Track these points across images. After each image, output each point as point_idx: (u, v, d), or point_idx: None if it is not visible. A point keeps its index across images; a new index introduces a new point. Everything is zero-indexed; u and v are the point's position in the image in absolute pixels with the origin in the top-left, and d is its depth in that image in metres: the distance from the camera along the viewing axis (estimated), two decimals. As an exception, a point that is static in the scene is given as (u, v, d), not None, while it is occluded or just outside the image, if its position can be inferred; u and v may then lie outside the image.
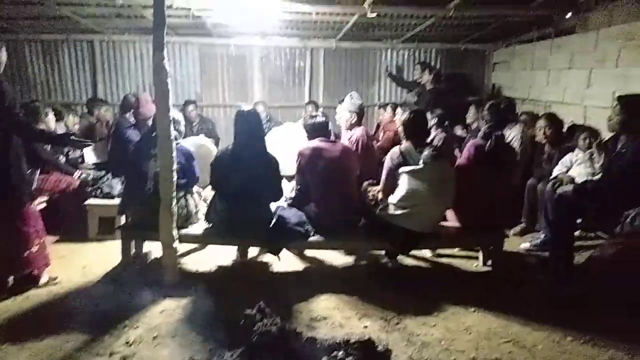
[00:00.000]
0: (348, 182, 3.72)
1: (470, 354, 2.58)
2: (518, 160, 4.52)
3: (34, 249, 3.30)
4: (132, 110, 5.21)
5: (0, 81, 3.04)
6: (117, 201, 4.37)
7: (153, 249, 3.95)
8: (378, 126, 6.89)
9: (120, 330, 2.78)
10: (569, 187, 3.75)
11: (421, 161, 3.45)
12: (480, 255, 3.87)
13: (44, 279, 3.41)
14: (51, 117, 4.66)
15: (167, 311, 3.04)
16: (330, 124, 4.03)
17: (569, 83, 5.41)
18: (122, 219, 4.11)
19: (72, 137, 3.46)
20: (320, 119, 3.88)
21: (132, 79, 7.23)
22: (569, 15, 5.53)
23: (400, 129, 3.89)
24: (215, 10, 5.61)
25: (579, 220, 3.82)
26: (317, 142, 3.71)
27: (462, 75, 7.79)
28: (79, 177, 4.67)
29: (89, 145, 4.46)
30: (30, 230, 3.28)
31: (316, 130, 3.82)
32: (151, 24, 5.87)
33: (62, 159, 4.84)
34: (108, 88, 7.21)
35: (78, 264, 3.80)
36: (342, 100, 5.32)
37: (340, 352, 2.26)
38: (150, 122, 4.71)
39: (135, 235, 3.68)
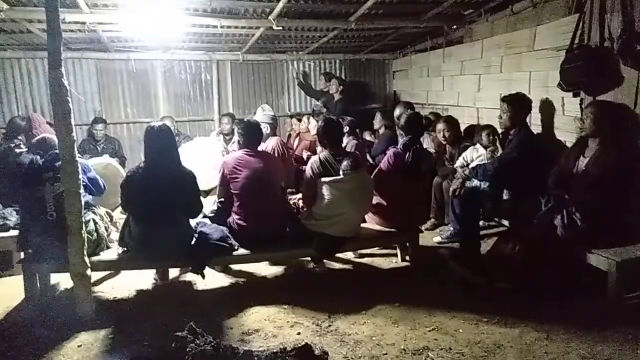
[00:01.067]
0: (273, 191, 3.74)
1: (400, 346, 2.70)
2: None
3: None
4: (24, 134, 4.76)
5: None
6: (13, 233, 3.96)
7: (61, 280, 3.63)
8: (289, 136, 6.98)
9: (33, 374, 2.52)
10: (458, 182, 4.15)
11: (341, 172, 3.57)
12: (398, 251, 4.08)
13: None
14: None
15: (85, 345, 2.81)
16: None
17: (462, 88, 5.93)
18: (22, 253, 3.72)
19: None
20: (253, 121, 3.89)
21: (19, 98, 6.58)
22: (456, 27, 6.07)
23: (316, 137, 4.00)
24: (113, 24, 5.33)
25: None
26: (241, 153, 3.71)
27: (365, 84, 8.18)
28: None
29: None
30: None
31: (250, 134, 3.79)
32: (38, 39, 5.48)
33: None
34: (-10, 109, 6.50)
35: (-28, 306, 3.37)
36: (255, 113, 5.34)
37: (279, 361, 2.27)
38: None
39: (40, 268, 3.35)
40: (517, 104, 4.07)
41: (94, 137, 6.19)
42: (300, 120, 6.53)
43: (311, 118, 6.21)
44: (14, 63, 6.50)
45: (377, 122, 6.15)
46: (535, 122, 4.44)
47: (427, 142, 5.10)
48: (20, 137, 4.82)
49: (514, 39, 4.87)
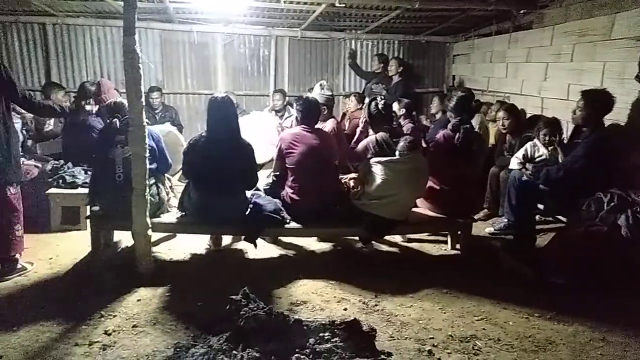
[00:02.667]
0: (327, 169, 3.76)
1: (447, 332, 2.70)
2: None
3: (19, 230, 3.31)
4: (93, 98, 4.99)
5: (4, 66, 3.09)
6: (81, 190, 4.22)
7: (123, 238, 3.84)
8: (344, 115, 6.96)
9: (97, 320, 2.70)
10: (528, 174, 3.99)
11: (397, 152, 3.55)
12: (449, 239, 4.03)
13: (21, 265, 3.35)
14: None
15: (144, 300, 2.98)
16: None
17: (526, 76, 5.67)
18: (88, 209, 3.96)
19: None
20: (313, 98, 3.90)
21: (88, 64, 6.91)
22: (525, 11, 5.78)
23: (367, 118, 3.97)
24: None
25: (540, 206, 4.07)
26: (299, 129, 3.73)
27: (423, 67, 7.99)
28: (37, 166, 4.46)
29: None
30: (16, 211, 3.29)
31: (310, 111, 3.80)
32: (109, 7, 5.70)
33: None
34: (63, 73, 6.86)
35: (44, 256, 3.64)
36: (311, 89, 5.34)
37: (327, 333, 2.32)
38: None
39: (106, 225, 3.56)
40: (598, 103, 3.65)
41: (151, 105, 6.41)
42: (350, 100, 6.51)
43: (366, 99, 6.13)
44: (85, 30, 6.81)
45: (434, 106, 6.04)
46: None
47: (475, 122, 4.88)
48: (89, 101, 5.06)
49: (589, 26, 4.59)
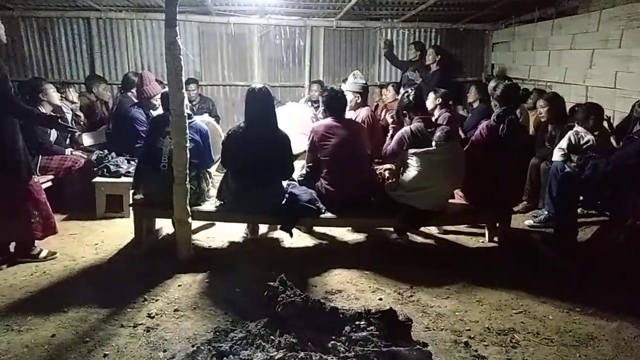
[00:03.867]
0: (360, 159, 3.75)
1: (485, 324, 2.67)
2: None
3: (33, 220, 3.37)
4: (135, 89, 5.16)
5: None
6: (124, 179, 4.38)
7: (164, 225, 3.98)
8: (377, 106, 6.91)
9: (141, 304, 2.82)
10: (572, 166, 3.85)
11: (434, 142, 3.50)
12: (486, 231, 3.96)
13: (43, 253, 3.48)
14: (54, 92, 4.59)
15: (185, 285, 3.08)
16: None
17: (570, 63, 5.47)
18: (131, 197, 4.12)
19: (60, 122, 3.56)
20: (338, 89, 3.89)
21: (130, 57, 7.12)
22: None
23: (400, 109, 3.92)
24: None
25: (581, 198, 3.93)
26: (330, 120, 3.73)
27: (461, 55, 7.81)
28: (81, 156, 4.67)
29: (74, 131, 4.48)
30: (29, 202, 3.35)
31: (335, 102, 3.81)
32: (149, 1, 5.83)
33: (53, 136, 4.72)
34: (106, 66, 7.09)
35: (90, 241, 3.83)
36: (345, 80, 5.32)
37: (363, 322, 2.34)
38: (154, 101, 4.72)
39: (149, 212, 3.69)
40: None
41: (188, 97, 6.53)
42: (387, 90, 6.44)
43: (402, 88, 6.06)
44: (127, 24, 7.00)
45: (472, 95, 5.89)
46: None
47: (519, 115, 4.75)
48: (132, 92, 5.23)
49: (639, 10, 4.37)
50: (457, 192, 3.85)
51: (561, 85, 5.58)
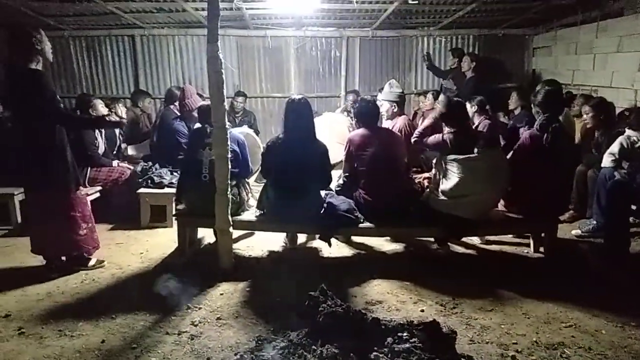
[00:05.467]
0: (397, 168, 3.73)
1: (532, 338, 2.57)
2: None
3: (82, 232, 3.50)
4: (177, 102, 5.32)
5: (42, 74, 3.22)
6: (167, 190, 4.51)
7: (206, 235, 4.06)
8: (415, 114, 6.85)
9: (185, 312, 2.88)
10: (623, 173, 3.69)
11: (475, 149, 3.43)
12: (532, 241, 3.83)
13: (92, 262, 3.61)
14: (102, 107, 4.81)
15: (226, 294, 3.13)
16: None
17: (617, 67, 5.26)
18: (174, 207, 4.23)
19: (108, 118, 3.79)
20: (370, 100, 3.89)
21: (172, 72, 7.37)
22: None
23: (440, 117, 3.86)
24: (255, 2, 5.66)
25: (634, 207, 3.76)
26: (365, 130, 3.73)
27: (500, 61, 7.65)
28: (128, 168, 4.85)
29: (123, 124, 4.62)
30: (77, 215, 3.47)
31: (367, 113, 3.80)
32: (190, 17, 6.02)
33: (101, 149, 4.92)
34: (149, 81, 7.38)
35: (135, 250, 3.96)
36: (382, 89, 5.31)
37: (405, 333, 2.29)
38: (196, 113, 4.84)
39: (191, 222, 3.78)
40: None
41: (234, 108, 6.69)
42: (425, 98, 6.37)
43: (441, 96, 5.98)
44: (169, 40, 7.27)
45: (513, 101, 5.76)
46: None
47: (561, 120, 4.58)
48: (174, 105, 5.40)
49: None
50: (502, 201, 3.75)
51: (608, 90, 5.37)
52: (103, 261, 3.66)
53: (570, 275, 3.39)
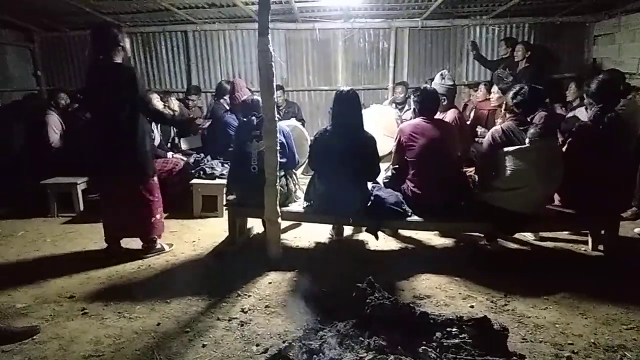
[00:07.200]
0: (448, 161, 3.64)
1: (590, 339, 2.46)
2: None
3: (157, 216, 3.70)
4: (228, 95, 5.45)
5: (135, 69, 3.44)
6: (218, 181, 4.65)
7: (255, 225, 4.16)
8: (465, 106, 6.66)
9: (235, 299, 2.97)
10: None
11: (527, 140, 3.30)
12: (590, 239, 3.66)
13: (159, 246, 3.78)
14: (158, 101, 5.00)
15: (274, 283, 3.19)
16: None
17: (690, 54, 4.89)
18: (224, 197, 4.35)
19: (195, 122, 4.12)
20: (432, 89, 3.82)
21: (222, 66, 7.55)
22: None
23: (496, 107, 3.73)
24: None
25: None
26: (418, 120, 3.67)
27: (556, 50, 7.29)
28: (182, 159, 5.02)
29: (198, 129, 4.78)
30: (154, 200, 3.67)
31: (428, 102, 3.73)
32: (240, 12, 6.13)
33: (157, 141, 5.13)
34: (200, 75, 7.59)
35: (188, 239, 4.11)
36: (431, 80, 5.20)
37: (455, 329, 2.26)
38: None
39: (241, 212, 3.88)
40: None
41: (275, 103, 6.75)
42: (476, 90, 6.17)
43: (494, 87, 5.78)
44: (219, 34, 7.43)
45: (571, 93, 5.49)
46: None
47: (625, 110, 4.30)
48: (225, 98, 5.54)
49: None
50: (558, 196, 3.59)
51: (678, 79, 5.01)
52: (171, 245, 3.86)
53: (632, 276, 3.21)
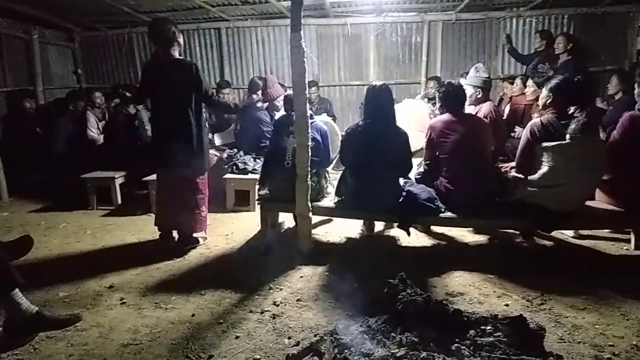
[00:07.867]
0: (482, 156, 3.56)
1: (632, 341, 2.37)
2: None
3: (204, 211, 3.80)
4: (260, 92, 5.50)
5: (196, 64, 3.61)
6: (251, 176, 4.71)
7: (286, 219, 4.19)
8: (501, 100, 6.50)
9: (267, 292, 3.01)
10: None
11: (568, 135, 3.19)
12: (632, 237, 3.51)
13: (201, 241, 3.90)
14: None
15: (306, 277, 3.22)
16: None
17: None
18: (257, 192, 4.41)
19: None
20: (456, 83, 3.74)
21: (254, 62, 7.63)
22: None
23: (548, 97, 3.58)
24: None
25: None
26: (448, 116, 3.61)
27: (598, 42, 7.01)
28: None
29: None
30: (204, 195, 3.80)
31: (452, 97, 3.66)
32: (272, 8, 6.17)
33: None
34: (233, 72, 7.70)
35: (222, 232, 4.19)
36: (466, 74, 5.10)
37: (489, 327, 2.22)
38: (277, 102, 4.99)
39: (273, 206, 3.92)
40: None
41: (309, 99, 6.77)
42: (512, 83, 6.01)
43: (529, 81, 5.62)
44: (252, 31, 7.52)
45: (613, 86, 5.26)
46: None
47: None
48: (257, 94, 5.58)
49: None
50: (599, 193, 3.47)
51: None
52: (206, 237, 3.95)
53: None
